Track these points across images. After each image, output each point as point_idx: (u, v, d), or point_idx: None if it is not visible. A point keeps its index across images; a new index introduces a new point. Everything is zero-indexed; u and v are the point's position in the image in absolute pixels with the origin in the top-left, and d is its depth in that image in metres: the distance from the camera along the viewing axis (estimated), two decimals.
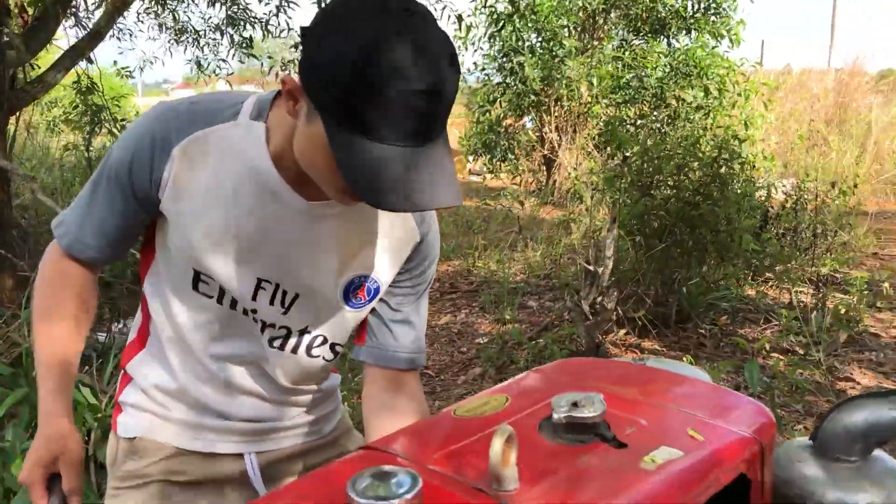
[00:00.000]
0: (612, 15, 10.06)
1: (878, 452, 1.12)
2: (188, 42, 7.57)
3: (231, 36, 6.85)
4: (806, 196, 6.33)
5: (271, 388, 1.32)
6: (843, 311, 4.76)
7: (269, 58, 7.35)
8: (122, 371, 1.38)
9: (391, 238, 1.23)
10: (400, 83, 0.91)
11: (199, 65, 7.87)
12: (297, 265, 1.20)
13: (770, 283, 5.27)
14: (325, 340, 1.30)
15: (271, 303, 1.22)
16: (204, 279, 1.20)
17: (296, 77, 1.01)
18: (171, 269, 1.23)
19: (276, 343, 1.26)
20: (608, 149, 9.89)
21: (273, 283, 1.20)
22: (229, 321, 1.24)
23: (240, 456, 1.34)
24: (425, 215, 1.25)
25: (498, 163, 10.64)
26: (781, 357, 4.17)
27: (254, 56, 7.11)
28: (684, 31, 10.03)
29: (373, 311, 1.29)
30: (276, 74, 7.15)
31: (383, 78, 0.90)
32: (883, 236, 7.94)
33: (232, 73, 7.81)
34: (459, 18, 7.46)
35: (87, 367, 2.97)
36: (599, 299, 4.07)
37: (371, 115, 0.92)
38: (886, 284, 5.59)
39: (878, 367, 4.25)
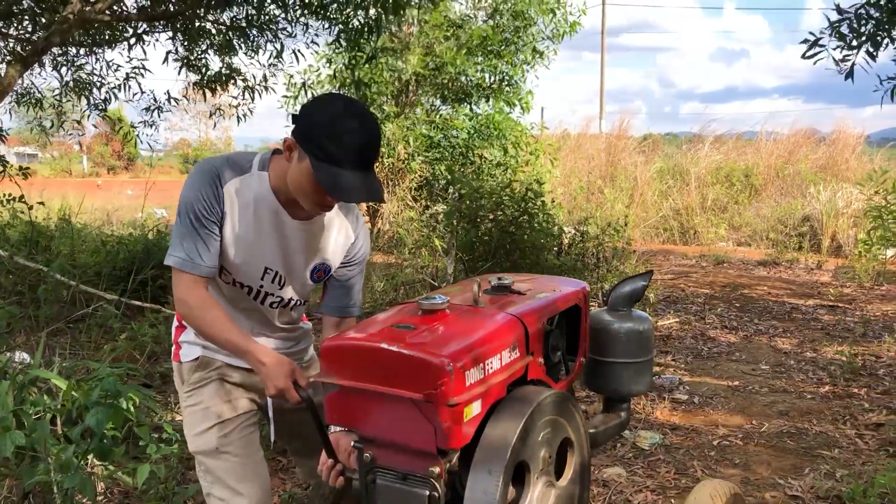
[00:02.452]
0: (423, 84, 11.47)
1: (635, 308, 2.28)
2: (30, 103, 7.92)
3: (87, 98, 7.35)
4: (589, 233, 7.90)
5: (272, 328, 2.21)
6: None
7: (119, 119, 7.91)
8: (178, 324, 2.19)
9: (337, 241, 2.15)
10: (351, 137, 1.81)
11: (41, 125, 8.25)
12: (287, 259, 2.08)
13: None
14: (299, 302, 2.21)
15: (272, 282, 2.11)
16: (225, 271, 2.06)
17: (289, 136, 1.89)
18: None
19: (274, 305, 2.16)
20: (424, 200, 11.21)
21: (274, 270, 2.10)
22: (240, 294, 2.11)
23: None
24: (359, 226, 2.18)
25: None
26: None
27: (108, 117, 7.64)
28: (484, 99, 11.62)
29: (332, 281, 2.20)
30: (126, 134, 7.73)
31: (342, 134, 1.80)
32: (648, 265, 9.79)
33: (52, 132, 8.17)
34: (304, 85, 8.49)
35: None
36: None
37: (336, 153, 1.81)
38: (652, 297, 7.21)
39: None
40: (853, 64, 4.37)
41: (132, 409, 3.26)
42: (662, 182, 14.95)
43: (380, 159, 10.98)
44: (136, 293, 5.71)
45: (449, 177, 9.53)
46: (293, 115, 1.88)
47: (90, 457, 3.07)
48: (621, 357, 2.20)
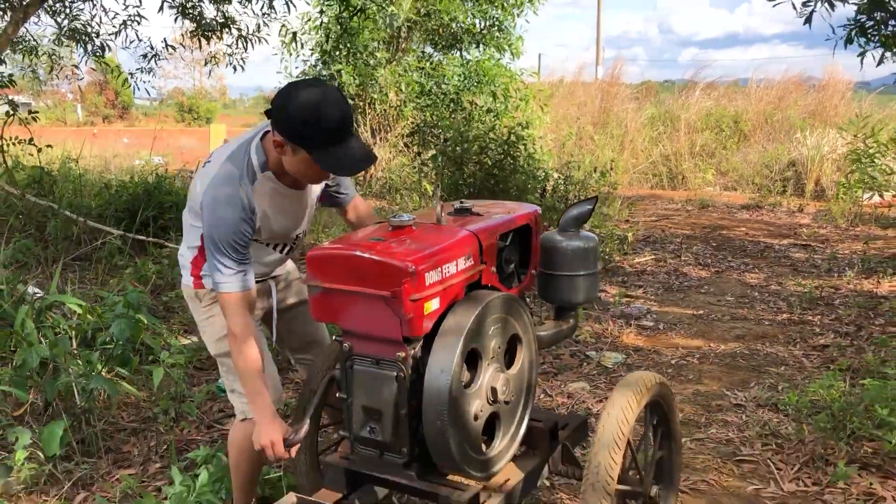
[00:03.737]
0: (415, 30, 11.63)
1: (582, 229, 2.61)
2: (25, 51, 8.12)
3: (84, 46, 7.56)
4: (574, 177, 8.20)
5: (277, 258, 2.56)
6: (601, 252, 6.58)
7: (117, 66, 8.13)
8: (198, 254, 2.46)
9: (317, 190, 2.51)
10: (329, 120, 2.09)
11: (33, 72, 8.49)
12: (303, 220, 2.46)
13: None
14: (303, 234, 2.58)
15: (295, 240, 2.51)
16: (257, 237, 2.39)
17: (277, 136, 2.16)
18: None
19: (293, 250, 2.55)
20: (416, 147, 11.46)
21: (298, 232, 2.48)
22: (268, 251, 2.47)
23: (266, 283, 2.59)
24: None
25: None
26: None
27: (106, 63, 7.86)
28: (474, 45, 11.78)
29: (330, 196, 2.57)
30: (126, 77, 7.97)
31: (322, 121, 2.07)
32: (634, 209, 10.11)
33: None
34: (294, 36, 8.69)
35: None
36: None
37: (323, 139, 2.10)
38: (630, 236, 7.55)
39: (621, 284, 6.06)
40: (812, 11, 4.65)
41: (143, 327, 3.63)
42: (653, 128, 15.16)
43: (372, 106, 11.23)
44: (138, 232, 6.03)
45: (438, 122, 9.79)
46: (266, 112, 2.15)
47: (104, 370, 3.44)
48: (569, 271, 2.53)
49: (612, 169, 9.45)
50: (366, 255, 1.98)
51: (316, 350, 2.72)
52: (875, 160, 9.55)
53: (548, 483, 3.00)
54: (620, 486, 2.23)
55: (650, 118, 15.62)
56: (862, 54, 4.87)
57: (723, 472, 3.09)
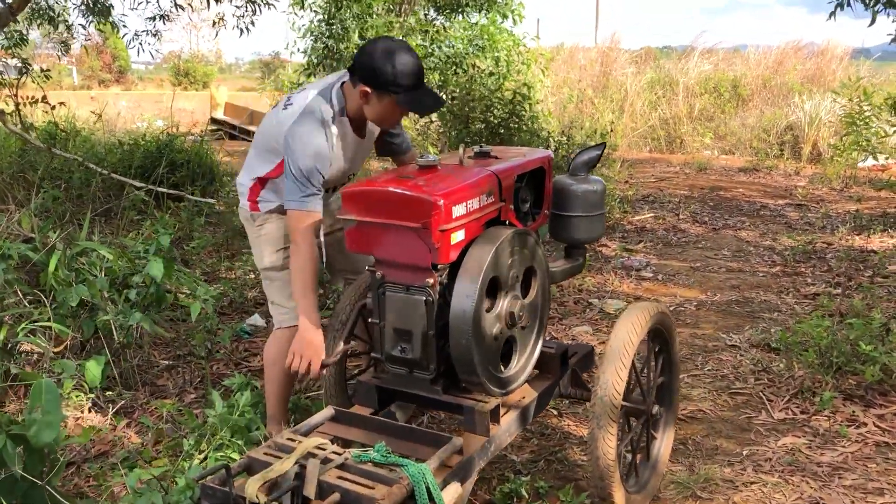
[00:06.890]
0: None
1: (591, 174, 2.81)
2: (44, 20, 8.22)
3: (90, 4, 7.63)
4: (574, 138, 8.37)
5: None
6: None
7: (125, 26, 8.21)
8: (253, 184, 2.74)
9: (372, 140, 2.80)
10: (410, 66, 2.39)
11: (63, 44, 8.64)
12: (353, 164, 2.73)
13: None
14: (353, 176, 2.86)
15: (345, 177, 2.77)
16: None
17: (363, 87, 2.43)
18: None
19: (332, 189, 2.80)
20: None
21: (351, 173, 2.77)
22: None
23: None
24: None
25: None
26: None
27: (112, 23, 7.95)
28: (478, 10, 11.86)
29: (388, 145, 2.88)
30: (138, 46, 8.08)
31: (403, 68, 2.38)
32: (633, 171, 10.29)
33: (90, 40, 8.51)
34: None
35: None
36: None
37: (408, 83, 2.39)
38: (630, 193, 7.75)
39: (621, 239, 6.28)
40: None
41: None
42: (652, 92, 15.27)
43: None
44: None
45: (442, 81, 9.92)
46: (350, 69, 2.48)
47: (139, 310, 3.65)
48: (578, 212, 2.74)
49: (611, 131, 9.60)
50: (399, 191, 2.19)
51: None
52: (869, 123, 9.73)
53: (555, 412, 3.24)
54: (625, 403, 2.47)
55: (649, 82, 15.73)
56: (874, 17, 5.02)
57: (718, 402, 3.33)
